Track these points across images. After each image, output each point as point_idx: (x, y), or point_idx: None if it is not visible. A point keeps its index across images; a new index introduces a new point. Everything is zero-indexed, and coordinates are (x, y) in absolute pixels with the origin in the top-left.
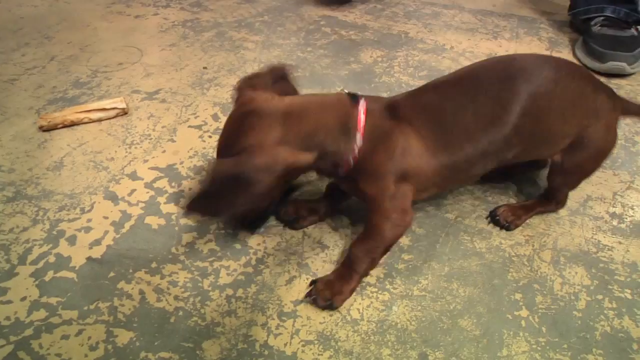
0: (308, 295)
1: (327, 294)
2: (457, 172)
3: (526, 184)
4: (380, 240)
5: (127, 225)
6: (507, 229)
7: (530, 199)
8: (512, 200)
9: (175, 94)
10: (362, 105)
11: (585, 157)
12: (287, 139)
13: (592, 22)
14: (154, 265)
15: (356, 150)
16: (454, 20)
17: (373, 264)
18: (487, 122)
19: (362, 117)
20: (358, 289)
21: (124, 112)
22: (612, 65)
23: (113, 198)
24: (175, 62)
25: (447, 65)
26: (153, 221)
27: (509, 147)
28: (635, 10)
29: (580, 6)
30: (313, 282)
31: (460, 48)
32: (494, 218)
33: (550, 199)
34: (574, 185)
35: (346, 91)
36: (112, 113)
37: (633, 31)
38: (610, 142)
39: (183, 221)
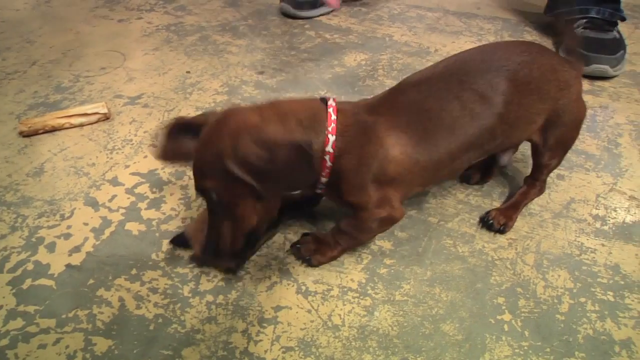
0: (294, 244)
1: (310, 249)
2: (441, 168)
3: (506, 181)
4: (366, 233)
5: (107, 232)
6: (502, 232)
7: (513, 196)
8: (495, 203)
9: (157, 99)
10: (331, 103)
11: (564, 129)
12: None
13: (575, 25)
14: (134, 271)
15: (330, 148)
16: (439, 23)
17: (357, 244)
18: (472, 117)
19: (331, 112)
20: (339, 294)
21: (106, 117)
22: (595, 68)
23: (93, 204)
24: (158, 67)
25: None
26: (134, 227)
27: (494, 137)
28: (618, 9)
29: (562, 7)
30: (305, 234)
31: (444, 51)
32: (487, 223)
33: (535, 181)
34: (559, 159)
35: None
36: (94, 118)
37: (615, 33)
38: (582, 108)
39: (164, 227)
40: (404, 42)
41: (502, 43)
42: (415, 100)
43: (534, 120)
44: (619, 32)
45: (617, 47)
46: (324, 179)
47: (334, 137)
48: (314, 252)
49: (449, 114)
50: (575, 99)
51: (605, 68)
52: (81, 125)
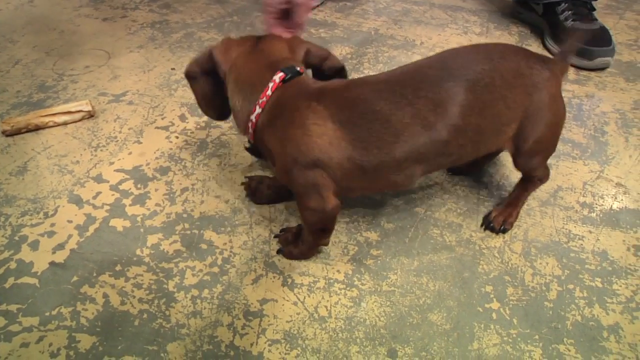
0: (277, 236)
1: (287, 240)
2: (385, 174)
3: (493, 171)
4: (306, 225)
5: (91, 229)
6: (504, 231)
7: (513, 191)
8: (483, 192)
9: (142, 96)
10: (277, 77)
11: (540, 134)
12: None
13: (560, 13)
14: (118, 268)
15: (253, 117)
16: (424, 16)
17: (316, 241)
18: (423, 126)
19: (269, 87)
20: (325, 286)
21: (90, 115)
22: (600, 61)
23: (78, 201)
24: (143, 64)
25: None
26: (118, 223)
27: (448, 150)
28: None
29: None
30: (283, 230)
31: (430, 43)
32: (489, 225)
33: (531, 180)
34: (542, 162)
35: (296, 68)
36: (78, 116)
37: (599, 22)
38: (559, 109)
39: (148, 223)
40: (390, 36)
41: (464, 49)
42: (366, 99)
43: (502, 130)
44: (597, 19)
45: (609, 36)
46: (250, 139)
47: (260, 110)
48: (289, 246)
49: (399, 120)
50: (549, 102)
51: (608, 60)
52: (65, 123)
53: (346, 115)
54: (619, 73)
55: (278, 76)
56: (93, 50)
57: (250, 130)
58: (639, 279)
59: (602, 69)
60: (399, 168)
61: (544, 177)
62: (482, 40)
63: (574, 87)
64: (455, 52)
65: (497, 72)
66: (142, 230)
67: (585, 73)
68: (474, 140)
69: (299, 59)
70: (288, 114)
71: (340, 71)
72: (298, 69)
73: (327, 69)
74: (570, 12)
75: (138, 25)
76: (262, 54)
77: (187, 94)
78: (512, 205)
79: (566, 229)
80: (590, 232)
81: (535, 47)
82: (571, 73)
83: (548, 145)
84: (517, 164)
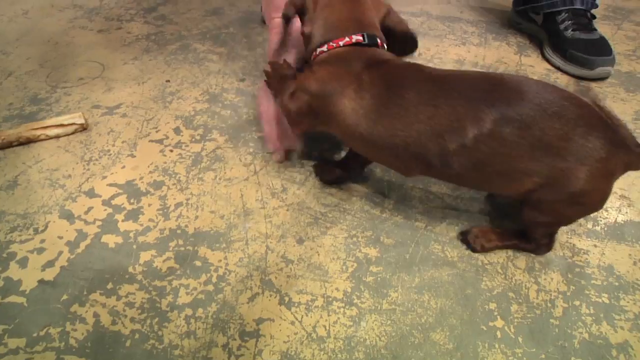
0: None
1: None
2: (385, 154)
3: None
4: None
5: (82, 245)
6: (473, 250)
7: (510, 228)
8: (483, 207)
9: (136, 108)
10: (355, 37)
11: (557, 200)
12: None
13: (560, 22)
14: (109, 286)
15: (319, 50)
16: (422, 27)
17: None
18: (433, 131)
19: (344, 39)
20: (324, 304)
21: (83, 128)
22: (601, 70)
23: (69, 217)
24: (137, 76)
25: None
26: (110, 240)
27: (448, 164)
28: None
29: (539, 0)
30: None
31: (428, 54)
32: (465, 239)
33: (528, 237)
34: (546, 226)
35: (376, 39)
36: (70, 129)
37: (598, 32)
38: (593, 193)
39: (141, 239)
40: None
41: (530, 81)
42: (404, 85)
43: (516, 176)
44: (596, 28)
45: (608, 45)
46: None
47: (326, 49)
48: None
49: (415, 114)
50: (586, 179)
51: (609, 69)
52: (57, 136)
53: (379, 90)
54: (619, 83)
55: (356, 37)
56: (87, 62)
57: (312, 56)
58: None
59: (602, 78)
60: (397, 156)
61: (543, 247)
62: (481, 51)
63: None
64: (518, 81)
65: (541, 123)
66: (134, 246)
67: (585, 83)
68: (479, 169)
69: (380, 16)
70: (340, 65)
71: (408, 38)
72: (378, 40)
73: (399, 33)
74: (570, 21)
75: (133, 37)
76: (357, 6)
77: (181, 107)
78: (499, 236)
79: (570, 243)
80: (595, 246)
81: (534, 57)
82: (572, 84)
83: (561, 214)
84: (523, 210)
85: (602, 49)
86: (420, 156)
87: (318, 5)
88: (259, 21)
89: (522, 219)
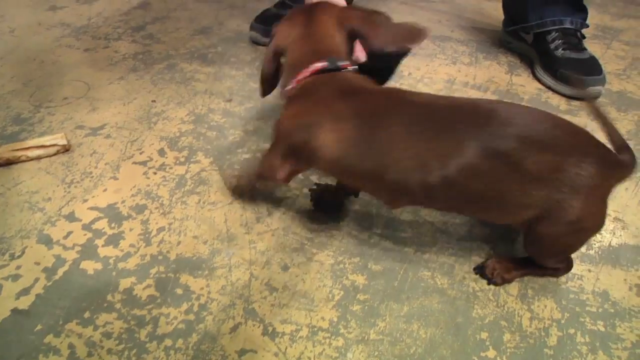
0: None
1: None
2: (372, 187)
3: None
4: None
5: (60, 272)
6: (494, 283)
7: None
8: (475, 230)
9: (120, 129)
10: (316, 65)
11: (557, 231)
12: None
13: (551, 42)
14: (87, 315)
15: (287, 89)
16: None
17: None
18: (420, 166)
19: (306, 72)
20: (309, 334)
21: (65, 149)
22: (592, 90)
23: (47, 242)
24: (123, 96)
25: None
26: (89, 266)
27: (440, 197)
28: (585, 19)
29: (532, 20)
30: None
31: (418, 74)
32: (482, 271)
33: (544, 269)
34: (552, 256)
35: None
36: (52, 150)
37: (588, 51)
38: (592, 216)
39: (121, 265)
40: None
41: (516, 108)
42: (388, 115)
43: (509, 209)
44: (586, 48)
45: (599, 65)
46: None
47: (294, 86)
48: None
49: (402, 149)
50: (582, 206)
51: (599, 89)
52: (39, 157)
53: (359, 121)
54: (611, 103)
55: (318, 65)
56: (72, 82)
57: (285, 94)
58: None
59: (593, 98)
60: (385, 189)
61: (561, 270)
62: (471, 70)
63: (566, 118)
64: (507, 110)
65: (533, 157)
66: (114, 273)
67: (576, 103)
68: (470, 202)
69: (343, 46)
70: (310, 96)
71: (384, 60)
72: (340, 64)
73: (376, 50)
74: (560, 41)
75: (120, 56)
76: (311, 39)
77: (167, 127)
78: (515, 266)
79: None
80: (590, 270)
81: (525, 76)
82: (563, 103)
83: (564, 244)
84: (525, 245)
85: (592, 68)
86: (402, 188)
87: (286, 54)
88: (247, 40)
89: (528, 252)
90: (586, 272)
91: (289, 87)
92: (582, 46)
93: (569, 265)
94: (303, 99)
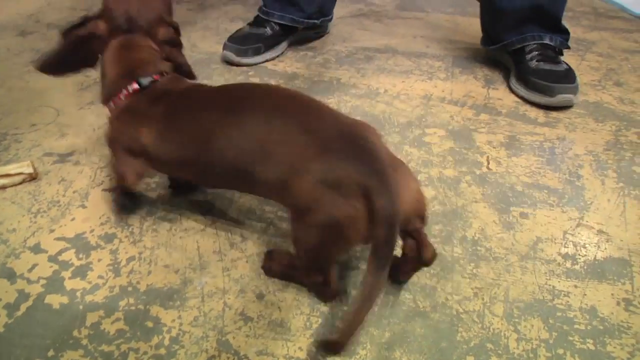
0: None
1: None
2: (187, 167)
3: (466, 224)
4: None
5: (23, 307)
6: (264, 269)
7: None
8: (457, 249)
9: (90, 155)
10: (128, 89)
11: (292, 217)
12: None
13: (527, 53)
14: (50, 353)
15: (110, 107)
16: (387, 63)
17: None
18: (197, 140)
19: (121, 95)
20: None
21: (32, 177)
22: (562, 98)
23: (10, 276)
24: (92, 122)
25: (382, 109)
26: (54, 300)
27: (212, 171)
28: (567, 40)
29: (513, 37)
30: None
31: (394, 91)
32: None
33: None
34: (302, 254)
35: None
36: (18, 179)
37: (565, 65)
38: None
39: (89, 298)
40: (352, 85)
41: (252, 85)
42: (183, 106)
43: (259, 182)
44: (567, 63)
45: (573, 75)
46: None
47: (113, 106)
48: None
49: (191, 127)
50: (308, 194)
51: (570, 97)
52: (3, 187)
53: (168, 119)
54: (588, 114)
55: (132, 87)
56: (41, 107)
57: (112, 106)
58: (633, 338)
59: (565, 107)
60: (197, 172)
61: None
62: (448, 85)
63: (545, 130)
64: (243, 86)
65: (273, 119)
66: (81, 307)
67: (554, 115)
68: (241, 174)
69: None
70: (130, 111)
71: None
72: (147, 81)
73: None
74: (536, 52)
75: (91, 80)
76: (125, 58)
77: None
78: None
79: (550, 284)
80: (576, 286)
81: (502, 90)
82: (540, 115)
83: (298, 238)
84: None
85: (565, 77)
86: (204, 166)
87: (105, 51)
88: (220, 62)
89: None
90: (572, 288)
91: (111, 106)
92: (559, 59)
93: (324, 288)
94: (124, 113)
